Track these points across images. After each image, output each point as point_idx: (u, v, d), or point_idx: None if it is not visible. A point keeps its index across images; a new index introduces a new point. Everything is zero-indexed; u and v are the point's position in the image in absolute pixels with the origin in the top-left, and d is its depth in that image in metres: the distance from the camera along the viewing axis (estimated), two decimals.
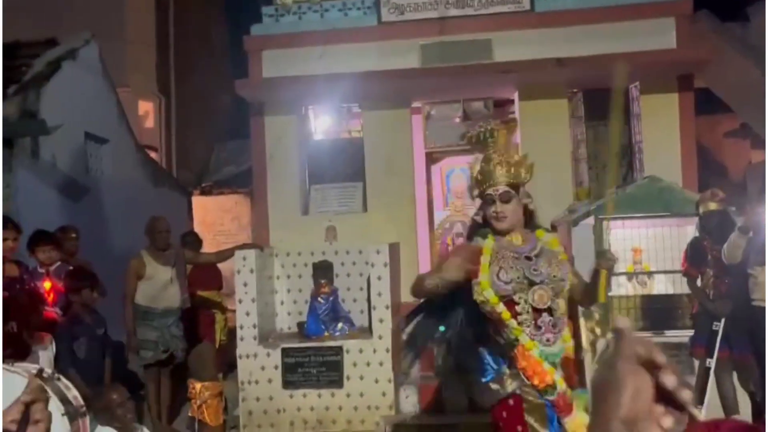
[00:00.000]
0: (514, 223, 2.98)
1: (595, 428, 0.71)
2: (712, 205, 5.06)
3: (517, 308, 2.87)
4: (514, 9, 7.30)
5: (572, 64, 6.85)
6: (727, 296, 4.98)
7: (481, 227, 3.06)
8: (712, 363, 4.95)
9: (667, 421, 0.70)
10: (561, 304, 2.94)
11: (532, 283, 2.87)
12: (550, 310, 2.89)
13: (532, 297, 2.86)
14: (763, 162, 11.04)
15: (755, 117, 11.07)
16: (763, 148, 11.34)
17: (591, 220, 5.82)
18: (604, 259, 2.93)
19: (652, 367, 0.71)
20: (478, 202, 3.13)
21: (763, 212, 4.84)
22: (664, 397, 0.71)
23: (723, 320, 4.91)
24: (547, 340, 2.86)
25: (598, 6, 7.18)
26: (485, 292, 2.86)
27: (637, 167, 7.48)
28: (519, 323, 2.86)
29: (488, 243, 2.95)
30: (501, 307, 2.86)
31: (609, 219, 5.66)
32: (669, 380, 0.70)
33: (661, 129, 7.16)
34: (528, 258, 2.92)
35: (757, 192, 9.87)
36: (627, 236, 5.94)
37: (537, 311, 2.88)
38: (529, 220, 3.06)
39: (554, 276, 2.90)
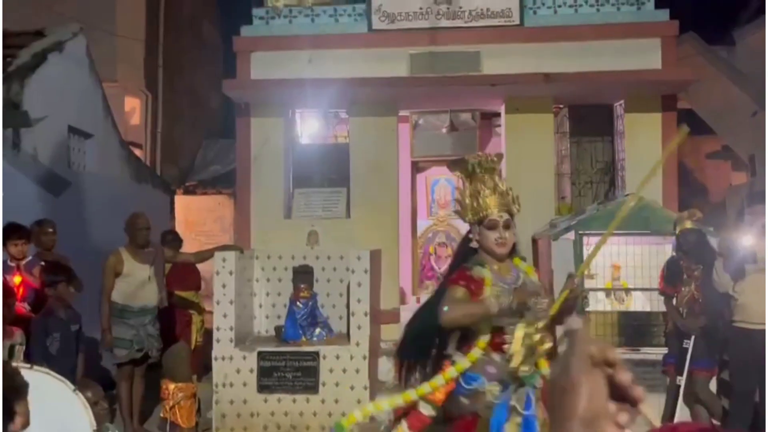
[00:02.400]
0: (509, 250, 3.07)
1: (555, 429, 0.74)
2: (689, 224, 5.10)
3: (506, 338, 2.91)
4: (504, 23, 7.38)
5: (559, 80, 6.92)
6: (699, 314, 5.03)
7: (472, 253, 3.11)
8: (682, 381, 5.00)
9: (623, 417, 0.72)
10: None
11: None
12: None
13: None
14: (743, 184, 11.21)
15: (737, 139, 11.24)
16: (744, 170, 11.52)
17: (572, 235, 5.87)
18: (569, 280, 3.00)
19: (605, 366, 0.73)
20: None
21: (733, 235, 4.94)
22: (617, 395, 0.73)
23: (693, 338, 4.96)
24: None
25: (587, 24, 7.27)
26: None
27: (619, 184, 7.56)
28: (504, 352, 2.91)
29: (487, 274, 3.01)
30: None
31: (589, 235, 5.72)
32: (624, 377, 0.73)
33: (643, 147, 7.24)
34: (516, 290, 3.00)
35: (735, 214, 10.03)
36: (606, 252, 5.98)
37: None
38: (512, 249, 3.15)
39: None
